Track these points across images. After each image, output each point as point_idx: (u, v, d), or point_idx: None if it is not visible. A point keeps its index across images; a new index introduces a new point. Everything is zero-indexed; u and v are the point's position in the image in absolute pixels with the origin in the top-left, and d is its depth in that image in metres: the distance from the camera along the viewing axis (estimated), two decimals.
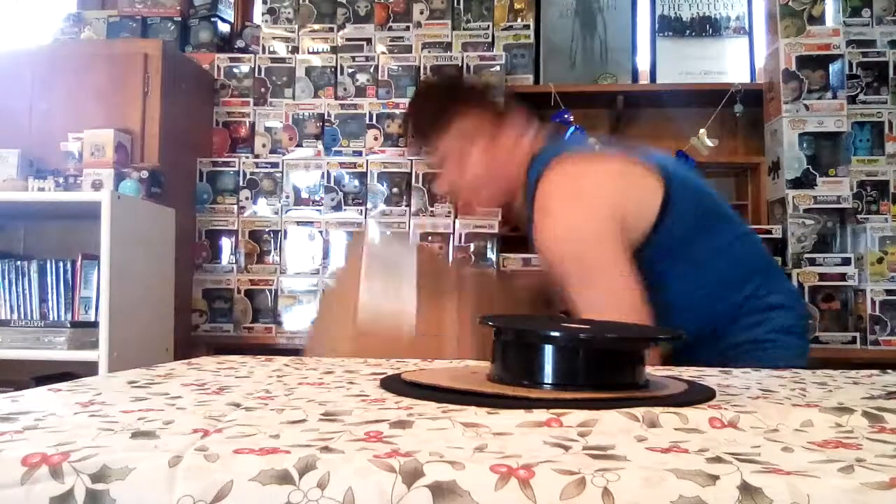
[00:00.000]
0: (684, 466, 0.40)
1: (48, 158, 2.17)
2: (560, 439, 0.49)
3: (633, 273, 1.22)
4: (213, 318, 2.42)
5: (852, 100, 2.34)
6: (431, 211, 2.40)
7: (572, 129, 2.37)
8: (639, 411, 0.56)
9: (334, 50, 2.63)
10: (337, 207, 2.44)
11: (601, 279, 1.22)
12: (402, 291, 1.32)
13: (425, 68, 2.53)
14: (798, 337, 1.31)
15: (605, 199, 1.24)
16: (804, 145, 2.30)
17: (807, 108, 2.31)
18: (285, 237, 2.45)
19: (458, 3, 2.63)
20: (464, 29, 2.62)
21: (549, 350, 0.66)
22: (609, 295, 1.20)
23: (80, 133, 2.15)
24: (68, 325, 1.92)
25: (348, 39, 2.64)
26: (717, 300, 1.28)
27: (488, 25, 2.61)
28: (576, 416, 0.55)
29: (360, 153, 2.47)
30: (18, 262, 2.12)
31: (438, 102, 1.42)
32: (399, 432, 0.50)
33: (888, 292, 2.16)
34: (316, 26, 2.68)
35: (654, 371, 0.83)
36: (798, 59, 2.34)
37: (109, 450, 0.42)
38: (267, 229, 2.46)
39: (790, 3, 2.40)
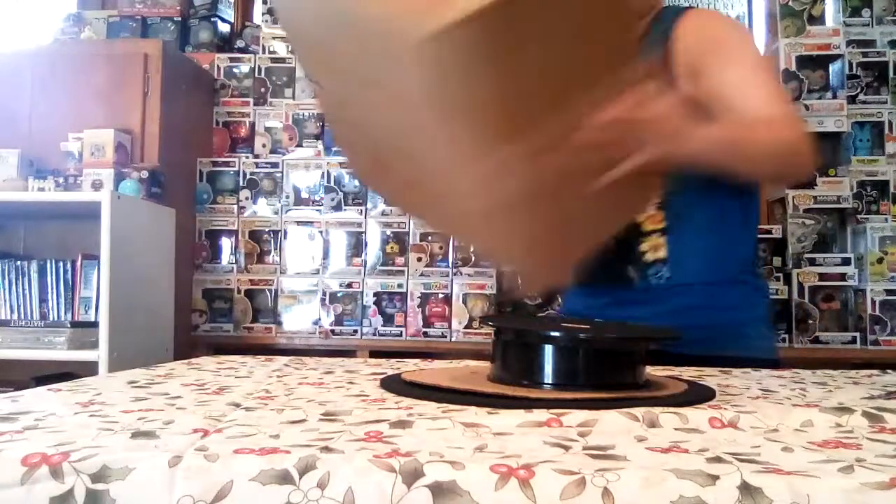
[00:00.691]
0: (684, 466, 0.40)
1: (48, 158, 2.17)
2: (560, 439, 0.49)
3: None
4: (213, 318, 2.42)
5: (852, 100, 2.34)
6: None
7: None
8: (639, 411, 0.55)
9: None
10: (337, 207, 2.44)
11: (773, 74, 1.16)
12: None
13: None
14: (769, 328, 1.32)
15: None
16: None
17: (807, 108, 2.31)
18: (285, 237, 2.45)
19: None
20: None
21: (549, 350, 0.67)
22: (779, 89, 1.13)
23: (80, 133, 2.15)
24: (68, 325, 1.92)
25: None
26: (753, 240, 1.27)
27: None
28: (576, 416, 0.55)
29: None
30: (18, 262, 2.12)
31: None
32: (399, 432, 0.50)
33: (888, 292, 2.16)
34: None
35: (653, 371, 0.83)
36: (798, 59, 2.34)
37: (109, 450, 0.42)
38: (267, 229, 2.46)
39: (790, 3, 2.40)
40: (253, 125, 2.57)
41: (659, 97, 0.90)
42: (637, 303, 1.16)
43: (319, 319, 2.38)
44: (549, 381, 0.66)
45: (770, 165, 1.06)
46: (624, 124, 0.85)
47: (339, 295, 2.37)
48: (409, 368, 0.88)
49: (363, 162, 1.02)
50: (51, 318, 2.06)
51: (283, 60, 2.58)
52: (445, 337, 2.32)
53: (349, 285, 2.37)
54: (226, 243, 2.47)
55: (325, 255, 2.41)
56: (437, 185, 0.86)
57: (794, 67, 2.33)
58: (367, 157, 0.97)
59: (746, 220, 1.24)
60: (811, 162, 1.09)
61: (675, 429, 0.54)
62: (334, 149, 2.46)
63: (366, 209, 2.42)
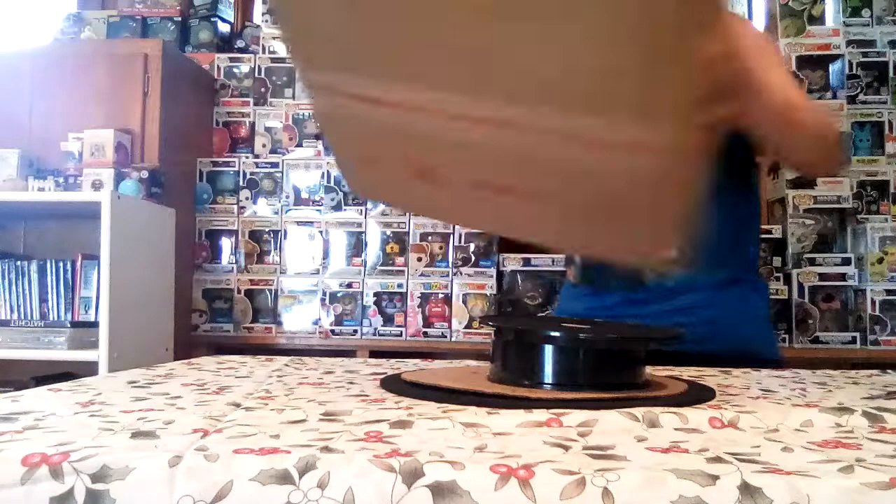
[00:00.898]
0: (684, 466, 0.40)
1: (48, 158, 2.17)
2: (560, 439, 0.49)
3: None
4: (213, 318, 2.42)
5: (852, 100, 2.34)
6: None
7: None
8: (639, 411, 0.55)
9: None
10: (337, 207, 2.44)
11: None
12: None
13: None
14: (771, 328, 1.33)
15: None
16: None
17: None
18: (285, 237, 2.45)
19: None
20: None
21: (549, 350, 0.67)
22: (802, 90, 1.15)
23: (80, 133, 2.15)
24: (68, 325, 1.92)
25: None
26: (756, 240, 1.29)
27: None
28: (576, 416, 0.55)
29: None
30: (18, 262, 2.12)
31: None
32: (399, 432, 0.50)
33: (888, 292, 2.16)
34: None
35: (653, 371, 0.83)
36: (798, 59, 2.34)
37: (109, 450, 0.42)
38: (267, 229, 2.46)
39: (790, 3, 2.40)
40: (253, 125, 2.57)
41: (742, 49, 0.79)
42: (643, 302, 1.17)
43: (319, 319, 2.38)
44: (550, 381, 0.66)
45: (814, 150, 1.06)
46: (720, 67, 0.75)
47: (339, 295, 2.37)
48: (409, 368, 0.88)
49: (383, 174, 0.81)
50: (51, 318, 2.06)
51: (283, 60, 2.58)
52: (445, 337, 2.32)
53: (349, 285, 2.37)
54: (226, 243, 2.47)
55: (325, 255, 2.41)
56: (551, 167, 0.63)
57: (794, 67, 2.33)
58: (395, 168, 0.77)
59: (751, 219, 1.25)
60: (840, 158, 1.09)
61: (675, 429, 0.54)
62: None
63: (366, 209, 2.42)
